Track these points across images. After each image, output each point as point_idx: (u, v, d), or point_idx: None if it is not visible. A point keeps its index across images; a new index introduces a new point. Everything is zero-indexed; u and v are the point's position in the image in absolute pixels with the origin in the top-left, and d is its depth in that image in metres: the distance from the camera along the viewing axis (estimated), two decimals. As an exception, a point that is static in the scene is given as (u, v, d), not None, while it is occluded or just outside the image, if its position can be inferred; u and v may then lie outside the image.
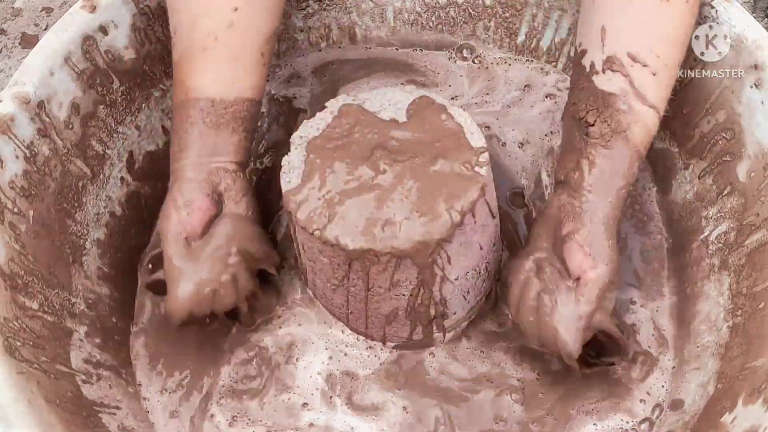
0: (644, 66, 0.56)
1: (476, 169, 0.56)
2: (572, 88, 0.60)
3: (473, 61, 0.77)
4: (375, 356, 0.63)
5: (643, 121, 0.56)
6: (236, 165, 0.60)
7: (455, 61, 0.77)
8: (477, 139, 0.57)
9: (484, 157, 0.57)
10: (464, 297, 0.61)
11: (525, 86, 0.75)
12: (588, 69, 0.58)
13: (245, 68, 0.60)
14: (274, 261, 0.62)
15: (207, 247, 0.58)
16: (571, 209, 0.57)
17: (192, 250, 0.58)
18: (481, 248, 0.59)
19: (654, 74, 0.56)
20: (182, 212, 0.58)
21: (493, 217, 0.60)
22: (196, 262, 0.58)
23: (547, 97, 0.74)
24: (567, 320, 0.55)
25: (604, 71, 0.57)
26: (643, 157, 0.58)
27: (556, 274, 0.56)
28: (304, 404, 0.61)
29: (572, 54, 0.71)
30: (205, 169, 0.58)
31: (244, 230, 0.60)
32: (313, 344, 0.63)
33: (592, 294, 0.55)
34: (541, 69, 0.75)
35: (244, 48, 0.59)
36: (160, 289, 0.60)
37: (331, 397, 0.61)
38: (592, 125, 0.57)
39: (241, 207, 0.60)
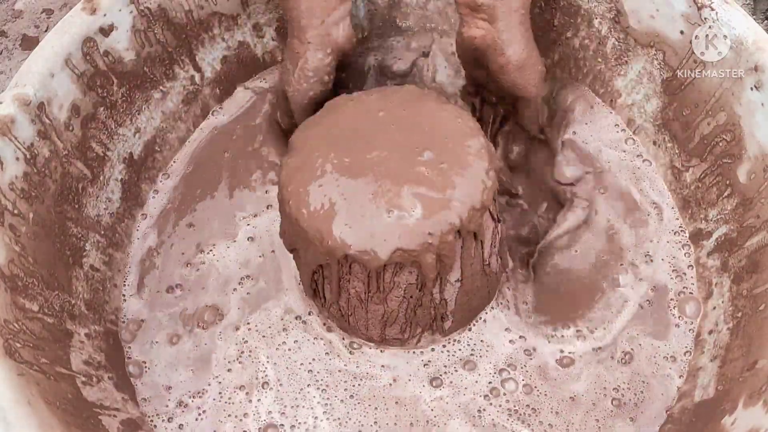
0: None
1: (479, 171, 0.56)
2: None
3: None
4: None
5: None
6: (348, 18, 0.65)
7: None
8: (480, 140, 0.58)
9: (488, 158, 0.57)
10: (464, 299, 0.61)
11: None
12: None
13: None
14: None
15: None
16: (491, 41, 0.62)
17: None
18: (482, 250, 0.59)
19: None
20: (311, 81, 0.64)
21: (494, 219, 0.60)
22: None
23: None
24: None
25: None
26: None
27: None
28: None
29: None
30: (326, 36, 0.64)
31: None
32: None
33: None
34: None
35: None
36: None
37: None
38: None
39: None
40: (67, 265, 0.62)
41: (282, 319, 0.65)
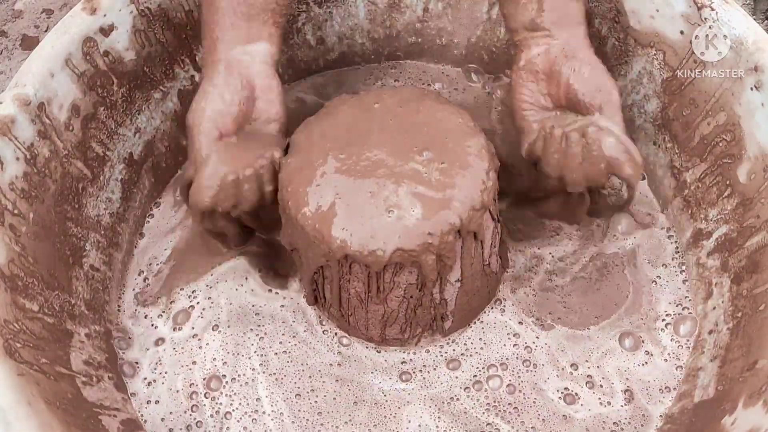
0: None
1: (479, 171, 0.56)
2: None
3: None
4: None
5: None
6: (269, 60, 0.61)
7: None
8: (480, 140, 0.58)
9: (488, 158, 0.57)
10: (464, 299, 0.61)
11: None
12: None
13: None
14: None
15: (236, 144, 0.59)
16: (559, 51, 0.59)
17: (221, 144, 0.58)
18: (482, 250, 0.59)
19: None
20: (217, 105, 0.58)
21: (494, 219, 0.60)
22: (224, 153, 0.58)
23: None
24: (610, 143, 0.57)
25: None
26: None
27: (565, 116, 0.59)
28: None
29: None
30: (238, 64, 0.59)
31: (274, 138, 0.61)
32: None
33: (618, 112, 0.58)
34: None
35: None
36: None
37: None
38: None
39: (272, 110, 0.61)
40: (67, 265, 0.62)
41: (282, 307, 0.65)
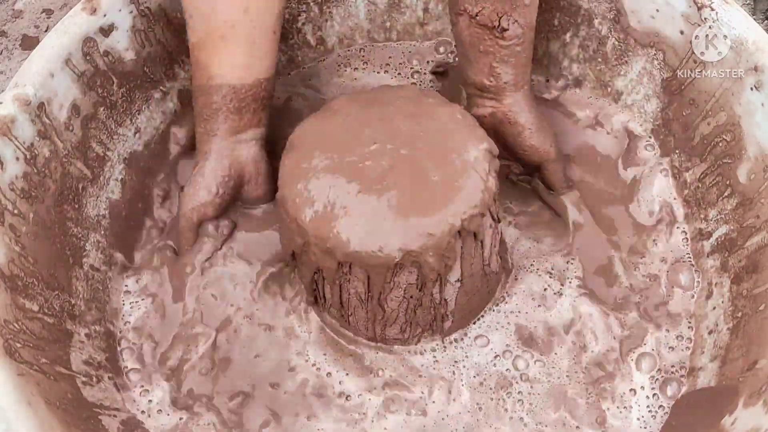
0: None
1: (480, 171, 0.56)
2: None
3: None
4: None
5: (535, 5, 0.62)
6: (260, 142, 0.66)
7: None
8: (481, 140, 0.57)
9: (489, 158, 0.57)
10: (464, 299, 0.61)
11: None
12: None
13: (261, 51, 0.63)
14: None
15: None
16: (503, 116, 0.65)
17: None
18: (482, 250, 0.59)
19: None
20: (202, 196, 0.64)
21: (494, 220, 0.60)
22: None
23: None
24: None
25: None
26: None
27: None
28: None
29: None
30: (229, 153, 0.65)
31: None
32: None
33: (555, 168, 0.67)
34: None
35: (260, 31, 0.62)
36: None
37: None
38: (507, 29, 0.61)
39: (259, 191, 0.67)
40: (67, 265, 0.62)
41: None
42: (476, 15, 0.61)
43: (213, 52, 0.62)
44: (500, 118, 0.65)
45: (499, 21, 0.60)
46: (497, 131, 0.65)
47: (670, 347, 0.62)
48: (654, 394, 0.60)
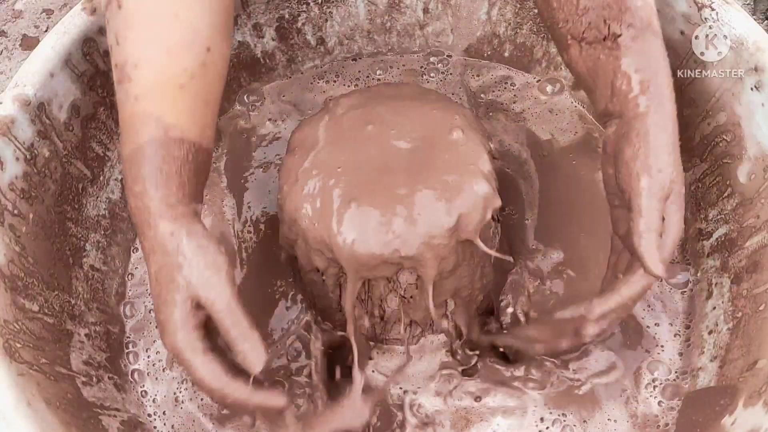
0: None
1: (480, 170, 0.56)
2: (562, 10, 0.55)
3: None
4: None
5: (650, 5, 0.53)
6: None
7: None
8: (481, 139, 0.57)
9: (489, 157, 0.57)
10: (464, 299, 0.61)
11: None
12: None
13: (213, 115, 0.54)
14: None
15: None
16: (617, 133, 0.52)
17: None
18: (482, 251, 0.59)
19: None
20: (186, 314, 0.48)
21: (494, 219, 0.60)
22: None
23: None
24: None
25: None
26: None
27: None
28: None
29: None
30: (200, 219, 0.51)
31: None
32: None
33: (647, 213, 0.49)
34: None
35: (213, 92, 0.54)
36: None
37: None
38: (620, 34, 0.52)
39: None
40: (67, 265, 0.62)
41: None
42: (583, 33, 0.54)
43: (169, 102, 0.50)
44: (616, 132, 0.53)
45: (609, 28, 0.53)
46: (614, 153, 0.53)
47: (669, 347, 0.63)
48: (654, 395, 0.61)
